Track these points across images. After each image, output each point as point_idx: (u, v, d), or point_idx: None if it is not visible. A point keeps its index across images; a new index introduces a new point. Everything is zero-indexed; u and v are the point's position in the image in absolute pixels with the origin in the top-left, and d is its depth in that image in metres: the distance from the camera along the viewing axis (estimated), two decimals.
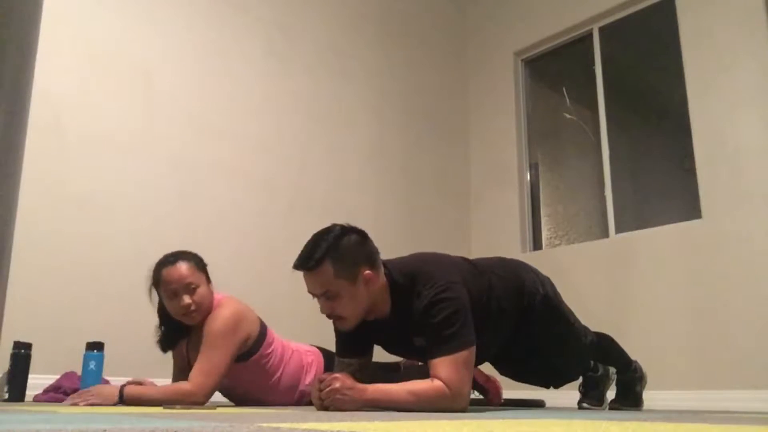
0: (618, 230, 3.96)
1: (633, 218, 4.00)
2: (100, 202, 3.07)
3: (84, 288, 2.90)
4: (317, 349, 2.42)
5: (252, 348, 2.14)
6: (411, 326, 1.80)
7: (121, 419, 1.04)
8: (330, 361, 2.32)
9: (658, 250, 3.66)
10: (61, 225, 2.93)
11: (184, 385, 1.97)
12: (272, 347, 2.22)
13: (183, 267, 2.10)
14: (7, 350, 2.36)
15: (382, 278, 1.83)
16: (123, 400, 1.94)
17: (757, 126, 3.40)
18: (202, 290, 2.10)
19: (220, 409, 1.71)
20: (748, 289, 3.24)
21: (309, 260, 1.76)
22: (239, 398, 2.30)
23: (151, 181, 3.25)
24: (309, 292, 1.81)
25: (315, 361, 2.35)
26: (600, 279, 3.87)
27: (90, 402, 1.92)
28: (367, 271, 1.76)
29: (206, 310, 2.10)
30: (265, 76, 3.84)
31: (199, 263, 2.17)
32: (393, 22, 4.64)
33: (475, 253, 4.55)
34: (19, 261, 2.70)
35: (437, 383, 1.69)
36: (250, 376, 2.18)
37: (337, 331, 1.95)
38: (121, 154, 3.19)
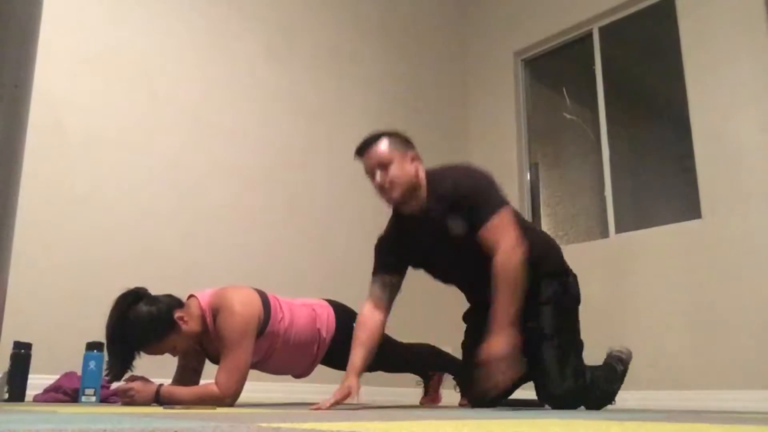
0: (618, 230, 3.96)
1: (633, 218, 4.00)
2: (101, 201, 3.07)
3: (84, 288, 2.90)
4: (326, 301, 2.48)
5: (263, 322, 2.17)
6: (447, 212, 2.04)
7: (121, 419, 1.04)
8: (340, 312, 2.44)
9: (658, 250, 3.65)
10: (61, 225, 2.93)
11: (212, 387, 2.02)
12: (280, 311, 2.26)
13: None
14: (7, 350, 2.35)
15: (422, 170, 2.12)
16: (158, 400, 1.97)
17: (757, 126, 3.40)
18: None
19: (220, 409, 1.71)
20: (748, 288, 3.24)
21: (371, 139, 2.13)
22: (270, 370, 2.38)
23: (151, 181, 3.26)
24: (368, 169, 2.15)
25: (325, 311, 2.41)
26: (600, 279, 3.87)
27: (129, 403, 1.97)
28: (414, 154, 2.12)
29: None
30: (266, 76, 3.84)
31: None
32: (393, 23, 4.64)
33: None
34: (19, 261, 2.70)
35: (505, 247, 1.95)
36: (269, 346, 2.23)
37: (376, 249, 2.27)
38: (121, 153, 3.19)
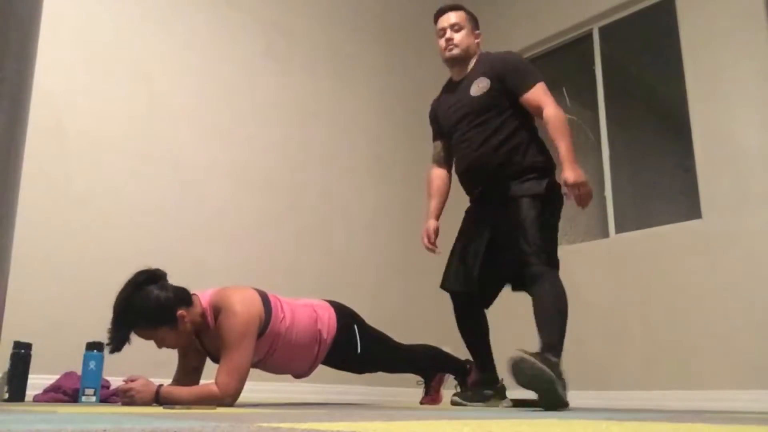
0: (618, 230, 3.96)
1: (633, 218, 4.00)
2: (101, 201, 3.07)
3: (84, 288, 2.90)
4: (327, 302, 2.48)
5: (264, 322, 2.17)
6: (483, 73, 2.56)
7: (121, 419, 1.04)
8: (342, 313, 2.44)
9: (658, 250, 3.65)
10: (61, 225, 2.93)
11: (212, 387, 2.01)
12: (281, 312, 2.25)
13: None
14: (7, 350, 2.35)
15: (479, 48, 2.73)
16: (158, 400, 1.97)
17: (757, 126, 3.40)
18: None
19: (220, 409, 1.71)
20: (748, 289, 3.24)
21: (453, 6, 2.75)
22: (270, 369, 2.39)
23: (151, 181, 3.26)
24: (441, 28, 2.71)
25: (326, 312, 2.41)
26: (600, 279, 3.86)
27: (129, 403, 1.96)
28: (479, 33, 2.75)
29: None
30: (265, 76, 3.84)
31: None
32: (392, 22, 4.64)
33: None
34: (19, 261, 2.70)
35: (555, 108, 2.49)
36: (270, 347, 2.22)
37: (429, 116, 2.85)
38: (121, 153, 3.19)
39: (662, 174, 4.06)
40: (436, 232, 2.72)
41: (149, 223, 3.20)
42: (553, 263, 2.38)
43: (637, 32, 4.23)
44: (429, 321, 4.09)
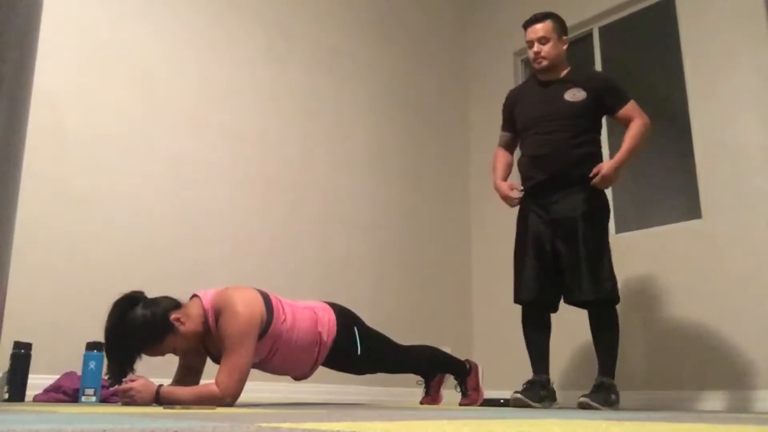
0: (618, 230, 3.96)
1: (633, 218, 4.00)
2: (100, 201, 3.07)
3: (84, 288, 2.90)
4: (327, 304, 2.48)
5: (266, 322, 2.17)
6: (579, 83, 2.83)
7: (121, 419, 1.04)
8: (342, 315, 2.45)
9: (658, 250, 3.65)
10: (61, 224, 2.93)
11: (212, 387, 2.01)
12: (282, 313, 2.25)
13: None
14: (7, 350, 2.35)
15: (564, 48, 2.94)
16: (158, 400, 1.97)
17: (757, 126, 3.40)
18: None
19: (220, 409, 1.71)
20: (748, 289, 3.24)
21: (539, 17, 2.93)
22: (271, 370, 2.40)
23: (151, 181, 3.25)
24: (529, 40, 2.92)
25: (327, 314, 2.42)
26: None
27: (129, 403, 1.96)
28: (566, 39, 2.96)
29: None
30: (265, 75, 3.84)
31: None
32: (392, 22, 4.64)
33: (475, 252, 4.54)
34: (19, 261, 2.69)
35: (642, 120, 2.82)
36: (271, 347, 2.22)
37: (504, 104, 3.11)
38: (121, 153, 3.19)
39: (662, 174, 4.06)
40: (508, 185, 3.00)
41: (149, 223, 3.19)
42: (615, 292, 2.69)
43: (637, 32, 4.23)
44: (429, 321, 4.09)
